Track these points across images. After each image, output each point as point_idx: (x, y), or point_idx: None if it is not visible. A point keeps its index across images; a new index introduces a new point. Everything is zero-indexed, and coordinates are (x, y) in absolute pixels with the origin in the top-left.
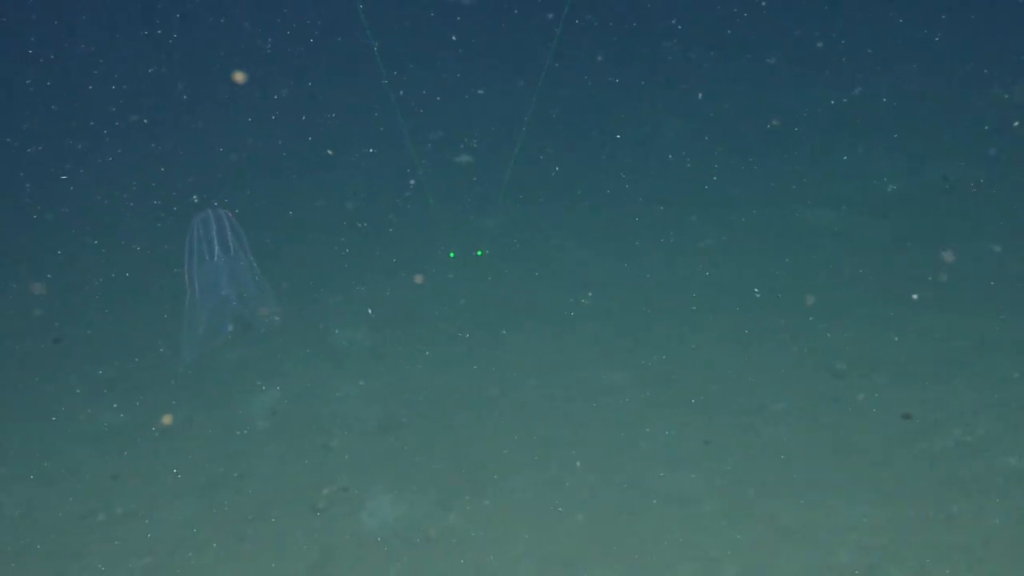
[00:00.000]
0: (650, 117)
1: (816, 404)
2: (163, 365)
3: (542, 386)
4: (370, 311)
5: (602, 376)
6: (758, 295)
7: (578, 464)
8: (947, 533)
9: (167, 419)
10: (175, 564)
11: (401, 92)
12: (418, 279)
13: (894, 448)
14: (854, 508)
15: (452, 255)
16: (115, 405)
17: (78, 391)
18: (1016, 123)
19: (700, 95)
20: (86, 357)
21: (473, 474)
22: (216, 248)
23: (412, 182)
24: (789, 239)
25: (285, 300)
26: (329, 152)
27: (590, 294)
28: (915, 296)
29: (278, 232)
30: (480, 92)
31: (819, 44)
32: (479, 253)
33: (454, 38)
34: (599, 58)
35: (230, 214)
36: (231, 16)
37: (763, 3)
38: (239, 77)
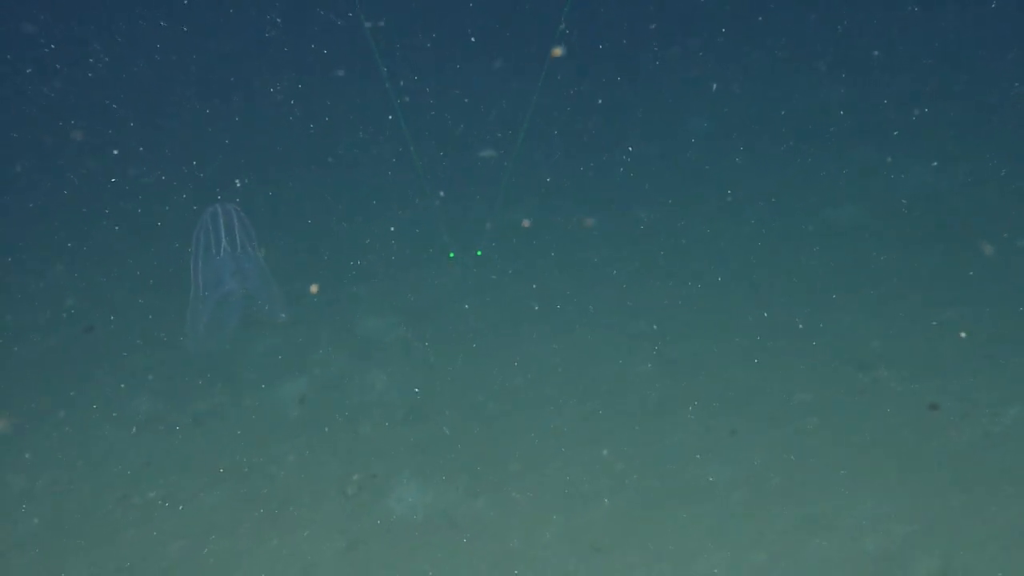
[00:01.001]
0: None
1: (843, 395)
2: (193, 354)
3: (568, 377)
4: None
5: (628, 368)
6: (783, 288)
7: (605, 453)
8: (974, 523)
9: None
10: (207, 548)
11: (426, 89)
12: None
13: (921, 439)
14: (881, 498)
15: (452, 255)
16: (148, 393)
17: (110, 380)
18: None
19: (735, 90)
20: (118, 346)
21: (501, 462)
22: (223, 242)
23: (413, 173)
24: (815, 234)
25: (310, 291)
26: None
27: (624, 286)
28: (941, 289)
29: (306, 222)
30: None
31: (843, 37)
32: (479, 253)
33: (472, 39)
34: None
35: (238, 208)
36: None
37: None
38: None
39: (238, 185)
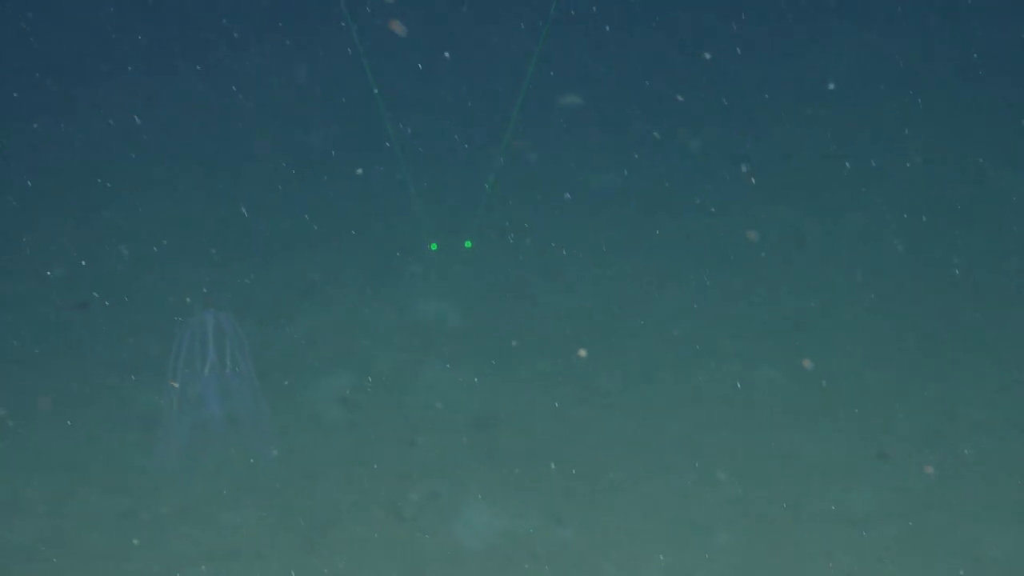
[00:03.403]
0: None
1: (1016, 413)
2: None
3: (674, 380)
4: (434, 247)
5: (750, 371)
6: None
7: (720, 475)
8: None
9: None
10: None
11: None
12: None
13: None
14: None
15: (434, 247)
16: (160, 386)
17: (115, 368)
18: None
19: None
20: (122, 329)
21: (590, 482)
22: (210, 356)
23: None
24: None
25: (360, 266)
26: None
27: (747, 278)
28: None
29: (356, 196)
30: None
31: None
32: (468, 244)
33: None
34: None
35: (231, 317)
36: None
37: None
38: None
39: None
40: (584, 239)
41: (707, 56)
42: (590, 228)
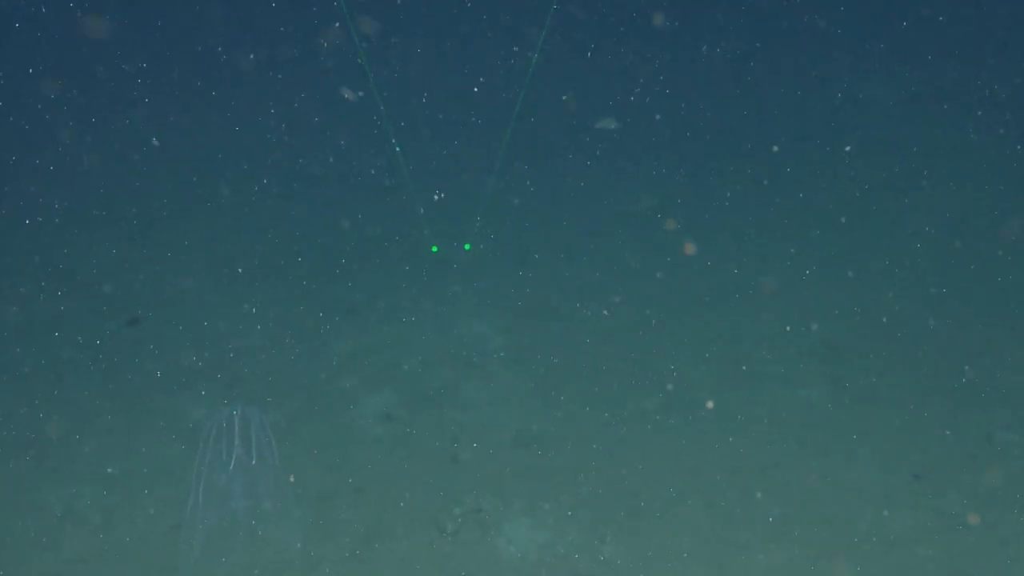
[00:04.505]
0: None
1: None
2: (261, 355)
3: (716, 400)
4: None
5: (793, 391)
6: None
7: (759, 495)
8: None
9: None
10: None
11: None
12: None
13: None
14: None
15: (435, 249)
16: (205, 399)
17: (162, 382)
18: None
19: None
20: (171, 344)
21: (631, 499)
22: (237, 450)
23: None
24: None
25: (402, 287)
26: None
27: (790, 296)
28: None
29: (396, 212)
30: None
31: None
32: (467, 247)
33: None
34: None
35: (262, 413)
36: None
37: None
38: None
39: (331, 161)
40: (623, 261)
41: (749, 79)
42: (629, 250)
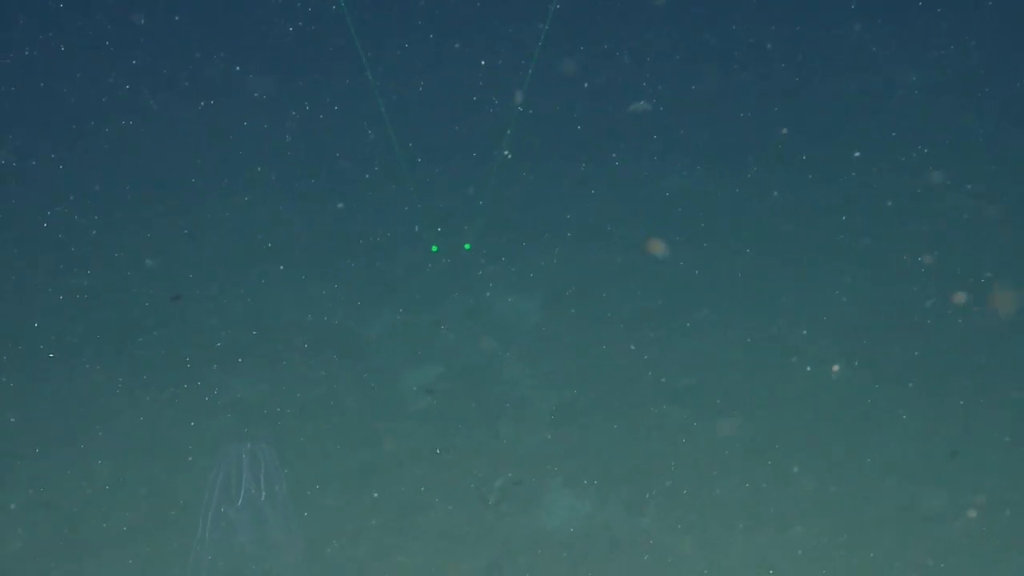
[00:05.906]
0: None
1: None
2: (298, 331)
3: (751, 380)
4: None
5: (826, 370)
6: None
7: (795, 469)
8: None
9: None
10: (324, 559)
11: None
12: None
13: None
14: None
15: (435, 249)
16: (246, 376)
17: (208, 358)
18: None
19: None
20: (214, 320)
21: (670, 473)
22: (245, 485)
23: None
24: None
25: (442, 265)
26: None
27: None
28: None
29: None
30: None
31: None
32: (467, 247)
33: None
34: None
35: (269, 449)
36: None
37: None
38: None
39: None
40: (657, 238)
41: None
42: (662, 230)
